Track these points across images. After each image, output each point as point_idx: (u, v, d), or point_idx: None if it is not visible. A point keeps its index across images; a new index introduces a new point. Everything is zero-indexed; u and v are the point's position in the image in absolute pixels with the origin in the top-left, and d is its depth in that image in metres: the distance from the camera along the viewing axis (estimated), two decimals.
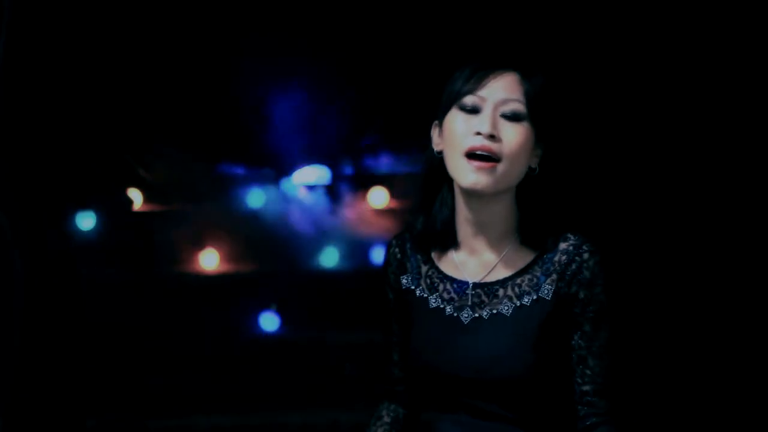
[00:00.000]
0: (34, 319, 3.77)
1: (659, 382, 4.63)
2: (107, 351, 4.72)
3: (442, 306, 2.73)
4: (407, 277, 2.80)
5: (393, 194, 5.25)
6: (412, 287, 2.78)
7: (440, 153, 2.70)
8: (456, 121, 2.66)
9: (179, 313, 4.89)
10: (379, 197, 5.26)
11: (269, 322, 4.97)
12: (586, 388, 2.68)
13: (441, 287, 2.75)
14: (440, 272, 2.76)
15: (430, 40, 4.96)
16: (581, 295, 2.67)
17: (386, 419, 2.84)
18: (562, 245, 2.69)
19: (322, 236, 5.14)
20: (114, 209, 5.19)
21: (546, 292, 2.68)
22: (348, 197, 5.21)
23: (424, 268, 2.78)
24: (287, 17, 5.10)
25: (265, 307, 4.97)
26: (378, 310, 2.83)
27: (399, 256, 2.81)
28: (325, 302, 4.98)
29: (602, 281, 2.68)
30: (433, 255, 2.78)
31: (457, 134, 2.65)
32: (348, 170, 5.25)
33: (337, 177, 5.24)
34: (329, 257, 5.16)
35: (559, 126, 2.73)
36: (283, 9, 5.09)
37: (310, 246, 5.14)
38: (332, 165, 5.24)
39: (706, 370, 4.64)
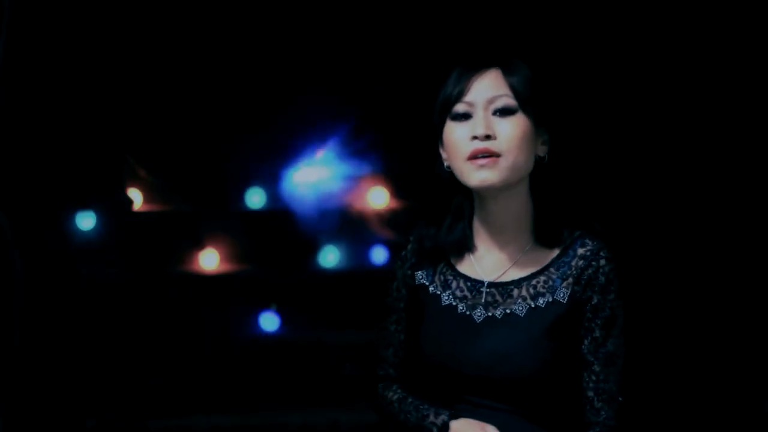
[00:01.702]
0: (34, 319, 3.75)
1: (670, 392, 4.60)
2: (107, 351, 4.70)
3: (454, 303, 2.74)
4: (423, 272, 2.80)
5: (393, 194, 5.24)
6: (426, 283, 2.79)
7: (449, 167, 2.72)
8: (452, 132, 2.68)
9: (179, 313, 4.87)
10: (379, 197, 5.24)
11: (269, 322, 4.95)
12: (590, 394, 2.68)
13: (454, 284, 2.76)
14: (454, 269, 2.77)
15: (426, 40, 4.97)
16: (594, 300, 2.68)
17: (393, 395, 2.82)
18: (580, 250, 2.70)
19: (321, 236, 5.12)
20: (114, 209, 5.17)
21: (562, 295, 2.68)
22: (348, 197, 5.19)
23: (439, 265, 2.79)
24: (283, 18, 5.11)
25: (265, 307, 4.95)
26: (378, 308, 2.83)
27: (417, 253, 2.82)
28: (325, 302, 4.96)
29: (616, 288, 2.69)
30: (450, 257, 2.79)
31: (456, 144, 2.66)
32: (348, 170, 5.22)
33: (336, 177, 5.21)
34: (329, 257, 5.14)
35: (557, 111, 2.74)
36: (280, 10, 5.10)
37: (309, 246, 5.12)
38: (332, 165, 5.22)
39: (720, 380, 4.61)
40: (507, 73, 2.69)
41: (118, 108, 5.08)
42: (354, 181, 5.20)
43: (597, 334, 2.67)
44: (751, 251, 4.67)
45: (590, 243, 2.70)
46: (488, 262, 2.75)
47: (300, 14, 5.12)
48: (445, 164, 2.73)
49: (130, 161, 5.25)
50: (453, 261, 2.78)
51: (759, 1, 4.57)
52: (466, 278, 2.75)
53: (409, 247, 2.83)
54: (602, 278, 2.67)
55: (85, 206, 5.06)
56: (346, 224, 5.13)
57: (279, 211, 5.16)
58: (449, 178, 2.73)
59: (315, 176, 5.19)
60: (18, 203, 3.78)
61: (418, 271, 2.80)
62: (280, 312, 4.94)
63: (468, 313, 2.71)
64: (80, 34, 4.59)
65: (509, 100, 2.67)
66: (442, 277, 2.77)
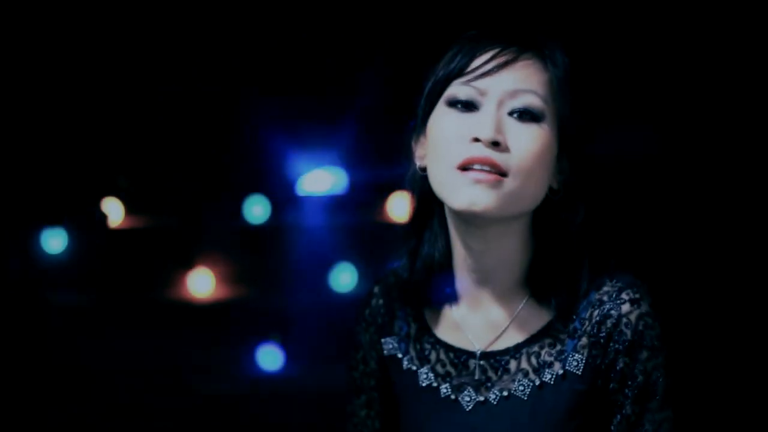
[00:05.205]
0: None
1: None
2: (77, 393, 4.36)
3: (435, 384, 2.13)
4: (393, 340, 2.22)
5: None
6: (399, 355, 2.21)
7: (424, 170, 2.08)
8: (445, 122, 2.05)
9: (166, 344, 4.47)
10: (401, 207, 4.63)
11: (270, 358, 4.49)
12: None
13: (434, 356, 2.14)
14: (432, 335, 2.16)
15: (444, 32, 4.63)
16: (620, 364, 1.99)
17: None
18: (595, 295, 2.02)
19: (334, 254, 4.62)
20: (93, 225, 4.76)
21: (575, 363, 2.00)
22: (366, 207, 4.72)
23: (413, 328, 2.16)
24: (288, 18, 4.82)
25: (265, 339, 4.50)
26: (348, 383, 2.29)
27: (383, 310, 2.24)
28: (338, 334, 4.49)
29: (651, 343, 2.00)
30: (426, 311, 2.17)
31: (446, 140, 2.04)
32: (365, 176, 4.72)
33: (351, 183, 4.74)
34: (343, 279, 4.62)
35: (590, 128, 2.06)
36: (283, 10, 4.82)
37: (320, 265, 4.62)
38: (346, 170, 4.76)
39: None
40: (545, 62, 2.01)
41: (112, 110, 4.77)
42: (372, 188, 4.70)
43: (628, 410, 1.99)
44: None
45: (609, 283, 2.03)
46: (476, 321, 2.11)
47: (303, 14, 4.80)
48: (418, 164, 2.09)
49: (112, 169, 4.85)
50: (431, 322, 2.16)
51: None
52: (449, 347, 2.13)
53: (374, 303, 2.25)
54: (627, 332, 1.98)
55: (58, 223, 4.68)
56: (362, 239, 4.63)
57: (284, 225, 4.70)
58: (425, 188, 2.08)
59: (323, 184, 4.70)
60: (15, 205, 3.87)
61: (384, 337, 2.23)
62: (284, 346, 4.51)
63: (453, 397, 2.10)
64: (65, 37, 4.36)
65: (537, 101, 2.00)
66: (418, 346, 2.16)
